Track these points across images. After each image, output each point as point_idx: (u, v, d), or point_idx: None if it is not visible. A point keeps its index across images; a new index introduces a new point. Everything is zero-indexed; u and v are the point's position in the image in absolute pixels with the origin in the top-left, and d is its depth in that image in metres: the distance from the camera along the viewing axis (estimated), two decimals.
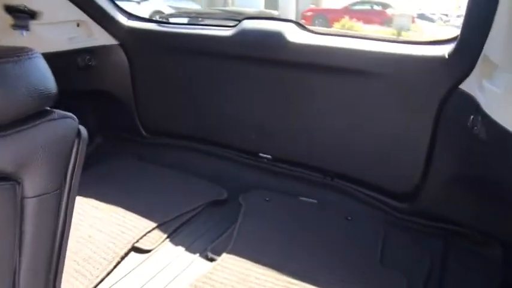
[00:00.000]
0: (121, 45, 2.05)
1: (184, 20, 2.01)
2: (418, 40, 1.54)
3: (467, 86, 1.28)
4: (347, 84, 1.62)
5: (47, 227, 0.69)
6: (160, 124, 2.17)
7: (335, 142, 1.73)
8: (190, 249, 1.51)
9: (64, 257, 0.75)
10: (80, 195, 1.22)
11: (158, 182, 1.91)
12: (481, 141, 1.12)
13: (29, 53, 0.64)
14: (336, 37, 1.65)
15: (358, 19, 8.98)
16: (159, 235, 1.56)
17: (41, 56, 0.67)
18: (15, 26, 1.66)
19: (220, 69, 1.87)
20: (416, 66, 1.45)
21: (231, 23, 1.85)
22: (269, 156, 1.92)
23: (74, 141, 0.71)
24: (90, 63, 1.99)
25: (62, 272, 0.76)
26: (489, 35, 1.11)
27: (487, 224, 1.43)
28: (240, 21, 1.80)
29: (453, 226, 1.55)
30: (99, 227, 1.56)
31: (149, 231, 1.56)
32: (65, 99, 2.08)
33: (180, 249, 1.51)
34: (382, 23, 9.93)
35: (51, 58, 1.83)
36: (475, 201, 1.42)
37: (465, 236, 1.52)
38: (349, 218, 1.68)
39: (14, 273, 0.67)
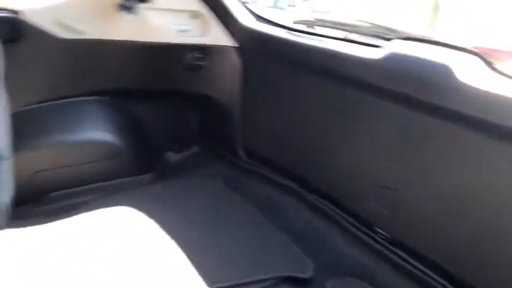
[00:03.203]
0: (239, 48, 1.70)
1: (321, 30, 1.56)
2: None
3: None
4: None
5: None
6: (263, 148, 1.76)
7: (485, 234, 1.08)
8: None
9: None
10: (142, 206, 0.95)
11: (238, 226, 1.49)
12: None
13: None
14: None
15: None
16: None
17: None
18: (122, 7, 1.42)
19: (352, 102, 1.37)
20: None
21: (377, 42, 1.34)
22: (386, 235, 1.35)
23: None
24: (200, 62, 1.69)
25: None
26: None
27: None
28: (390, 40, 1.29)
29: None
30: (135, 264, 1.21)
31: None
32: (167, 98, 1.77)
33: None
34: None
35: (156, 50, 1.52)
36: None
37: None
38: None
39: None
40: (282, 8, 8.78)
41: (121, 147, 1.71)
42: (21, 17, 1.28)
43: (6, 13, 1.27)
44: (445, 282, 1.19)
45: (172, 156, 1.92)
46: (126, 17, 1.43)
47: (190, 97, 1.83)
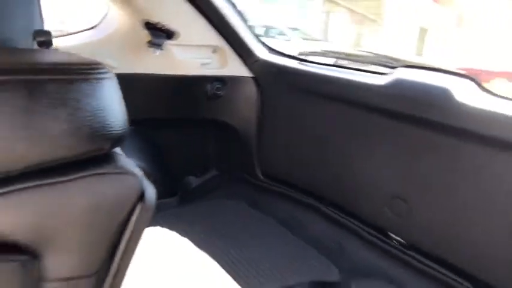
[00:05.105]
0: (254, 78, 1.87)
1: (328, 61, 1.74)
2: None
3: None
4: None
5: None
6: (281, 170, 1.91)
7: (495, 243, 1.23)
8: None
9: None
10: (172, 227, 1.00)
11: (262, 238, 1.63)
12: None
13: (101, 70, 0.42)
14: None
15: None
16: None
17: (113, 77, 0.43)
18: (151, 44, 1.59)
19: (362, 123, 1.54)
20: None
21: (382, 70, 1.53)
22: (402, 241, 1.49)
23: (132, 207, 0.47)
24: (219, 92, 1.85)
25: None
26: None
27: None
28: (394, 68, 1.47)
29: None
30: (181, 278, 1.33)
31: None
32: (188, 125, 1.93)
33: None
34: None
35: (181, 81, 1.68)
36: None
37: None
38: None
39: None
40: (273, 37, 9.12)
41: (146, 173, 1.84)
42: None
43: None
44: (460, 280, 1.34)
45: (194, 180, 2.06)
46: (154, 53, 1.59)
47: (210, 124, 1.99)
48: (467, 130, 1.23)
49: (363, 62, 1.65)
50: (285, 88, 1.80)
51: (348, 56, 1.68)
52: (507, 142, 1.15)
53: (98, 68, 0.43)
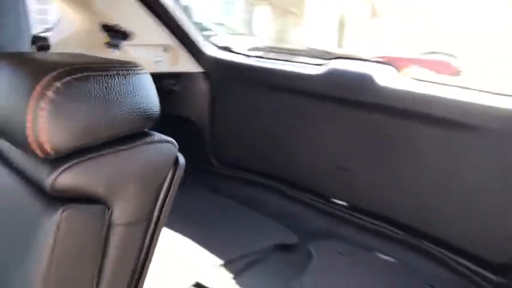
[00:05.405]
0: (206, 73, 2.04)
1: (271, 55, 1.97)
2: None
3: None
4: (444, 136, 1.47)
5: (130, 255, 0.63)
6: (235, 157, 2.11)
7: (426, 198, 1.56)
8: None
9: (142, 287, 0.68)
10: None
11: (227, 217, 1.83)
12: None
13: (137, 68, 0.59)
14: (436, 85, 1.52)
15: (430, 69, 8.67)
16: (223, 274, 1.46)
17: (148, 73, 0.61)
18: (109, 45, 1.69)
19: (304, 108, 1.79)
20: None
21: (318, 62, 1.79)
22: (345, 204, 1.78)
23: (170, 169, 0.64)
24: (174, 88, 2.00)
25: None
26: None
27: None
28: (328, 60, 1.73)
29: None
30: (162, 259, 1.49)
31: (213, 269, 1.47)
32: None
33: None
34: (452, 74, 9.53)
35: None
36: None
37: None
38: (433, 285, 1.48)
39: None
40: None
41: None
42: None
43: None
44: (400, 231, 1.66)
45: None
46: (113, 53, 1.71)
47: (169, 119, 2.12)
48: (390, 107, 1.53)
49: (301, 55, 1.90)
50: (234, 81, 2.00)
51: (288, 51, 1.93)
52: (422, 114, 1.46)
53: (137, 66, 0.60)
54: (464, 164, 1.45)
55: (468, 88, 1.49)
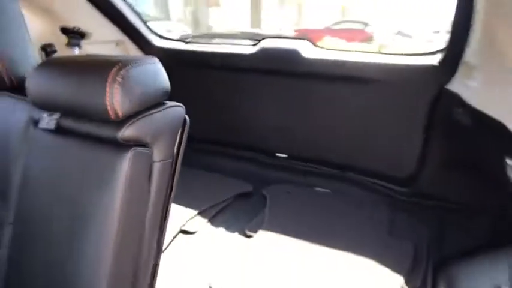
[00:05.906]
0: None
1: (209, 40, 2.31)
2: (412, 52, 1.88)
3: (452, 85, 1.61)
4: (353, 90, 1.95)
5: (164, 188, 0.93)
6: (193, 131, 2.43)
7: (344, 139, 2.04)
8: (230, 229, 1.80)
9: (168, 217, 0.98)
10: None
11: (193, 181, 2.17)
12: (467, 128, 1.45)
13: (155, 60, 0.91)
14: (343, 52, 1.98)
15: (341, 38, 9.46)
16: (201, 220, 1.83)
17: (160, 63, 0.92)
18: (69, 45, 1.93)
19: (243, 81, 2.18)
20: (412, 73, 1.79)
21: (251, 42, 2.17)
22: (285, 156, 2.22)
23: (181, 125, 0.96)
24: None
25: (166, 231, 0.99)
26: (469, 46, 1.44)
27: (477, 199, 1.75)
28: (259, 40, 2.12)
29: (448, 204, 1.87)
30: None
31: (192, 217, 1.83)
32: None
33: (221, 230, 1.79)
34: (363, 41, 10.47)
35: None
36: (465, 181, 1.75)
37: (458, 211, 1.84)
38: (360, 203, 1.98)
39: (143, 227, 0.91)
40: None
41: None
42: None
43: None
44: (329, 168, 2.14)
45: None
46: (75, 52, 1.95)
47: None
48: (312, 73, 1.97)
49: (235, 38, 2.28)
50: (182, 66, 2.32)
51: (225, 35, 2.29)
52: (337, 75, 1.92)
53: (153, 59, 0.93)
54: (368, 109, 1.94)
55: (364, 52, 1.97)
